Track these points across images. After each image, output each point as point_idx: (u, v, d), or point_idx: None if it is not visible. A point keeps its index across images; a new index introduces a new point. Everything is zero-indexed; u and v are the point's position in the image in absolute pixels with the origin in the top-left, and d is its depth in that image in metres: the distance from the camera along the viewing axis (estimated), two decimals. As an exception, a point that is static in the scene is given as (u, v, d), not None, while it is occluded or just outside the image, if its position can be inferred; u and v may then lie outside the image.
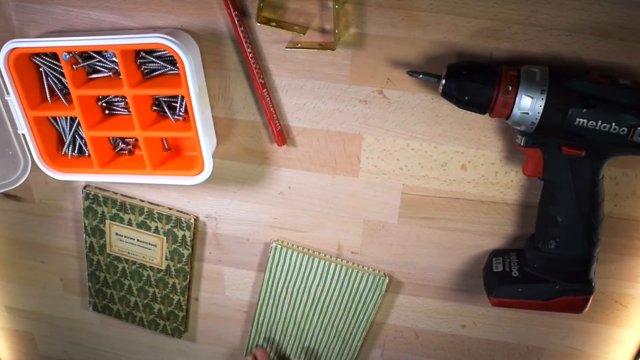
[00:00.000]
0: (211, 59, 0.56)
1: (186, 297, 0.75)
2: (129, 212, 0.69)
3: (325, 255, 0.66)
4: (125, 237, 0.71)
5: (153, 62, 0.56)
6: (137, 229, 0.70)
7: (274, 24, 0.52)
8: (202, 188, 0.65)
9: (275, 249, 0.65)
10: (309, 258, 0.65)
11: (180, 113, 0.58)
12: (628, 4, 0.46)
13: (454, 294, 0.67)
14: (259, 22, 0.51)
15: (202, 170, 0.57)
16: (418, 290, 0.67)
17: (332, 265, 0.65)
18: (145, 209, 0.68)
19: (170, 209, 0.68)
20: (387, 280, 0.65)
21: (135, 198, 0.69)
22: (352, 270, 0.65)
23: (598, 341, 0.67)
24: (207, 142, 0.55)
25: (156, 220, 0.69)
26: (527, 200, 0.58)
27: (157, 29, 0.55)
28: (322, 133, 0.58)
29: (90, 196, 0.69)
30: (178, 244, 0.70)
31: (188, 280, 0.73)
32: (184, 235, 0.69)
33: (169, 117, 0.59)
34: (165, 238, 0.70)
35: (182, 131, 0.57)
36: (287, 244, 0.66)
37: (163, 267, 0.73)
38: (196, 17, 0.54)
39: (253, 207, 0.65)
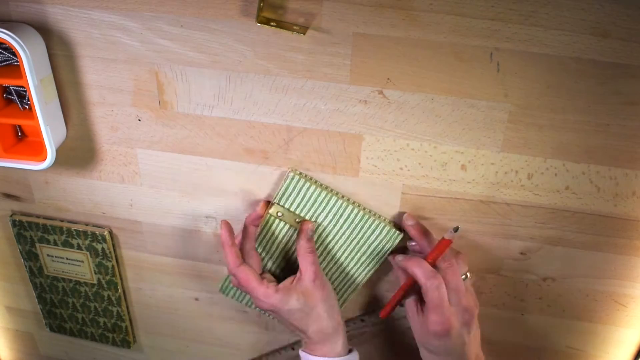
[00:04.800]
0: (211, 59, 0.56)
1: (124, 307, 0.77)
2: (52, 233, 0.72)
3: (342, 196, 0.62)
4: (55, 257, 0.74)
5: (1, 53, 0.59)
6: (63, 248, 0.73)
7: (274, 24, 0.52)
8: (203, 188, 0.65)
9: (292, 178, 0.61)
10: (325, 194, 0.61)
11: (28, 102, 0.62)
12: (628, 4, 0.46)
13: (454, 294, 0.67)
14: (258, 22, 0.51)
15: (45, 157, 0.60)
16: (418, 290, 0.67)
17: (349, 207, 0.61)
18: (64, 228, 0.71)
19: (86, 224, 0.71)
20: (401, 236, 0.61)
21: (55, 219, 0.71)
22: (369, 217, 0.61)
23: (598, 341, 0.67)
24: (48, 131, 0.59)
25: (75, 237, 0.71)
26: (526, 200, 0.58)
27: (5, 22, 0.57)
28: (322, 133, 0.58)
29: (17, 223, 0.72)
30: (101, 257, 0.72)
31: (120, 291, 0.75)
32: (103, 248, 0.71)
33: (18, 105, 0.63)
34: (88, 253, 0.72)
35: (27, 119, 0.60)
36: (305, 175, 0.62)
37: (95, 282, 0.75)
38: (197, 17, 0.54)
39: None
